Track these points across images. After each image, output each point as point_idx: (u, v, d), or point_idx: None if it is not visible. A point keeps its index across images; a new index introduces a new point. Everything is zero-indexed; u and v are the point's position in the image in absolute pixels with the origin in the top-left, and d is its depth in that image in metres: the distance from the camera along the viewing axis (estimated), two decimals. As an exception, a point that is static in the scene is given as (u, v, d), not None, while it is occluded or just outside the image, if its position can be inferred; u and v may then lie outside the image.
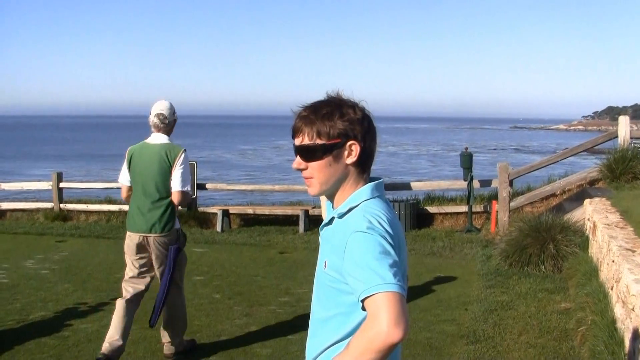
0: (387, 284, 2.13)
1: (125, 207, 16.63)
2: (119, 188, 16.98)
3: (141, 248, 6.60)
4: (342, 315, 2.40)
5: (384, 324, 2.08)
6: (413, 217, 14.42)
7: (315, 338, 2.55)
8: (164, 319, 6.94)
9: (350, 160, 2.43)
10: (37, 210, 17.49)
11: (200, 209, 16.33)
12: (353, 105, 2.45)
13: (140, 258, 6.67)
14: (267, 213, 16.01)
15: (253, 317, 8.36)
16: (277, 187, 17.90)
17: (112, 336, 6.52)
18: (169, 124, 6.70)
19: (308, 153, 2.43)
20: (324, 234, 2.55)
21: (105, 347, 6.47)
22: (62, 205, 17.14)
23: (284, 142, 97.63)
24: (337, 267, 2.35)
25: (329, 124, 2.39)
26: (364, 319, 2.21)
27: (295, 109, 2.50)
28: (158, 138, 6.67)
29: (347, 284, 2.29)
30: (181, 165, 6.53)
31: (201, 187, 16.43)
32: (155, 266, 6.71)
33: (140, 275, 6.75)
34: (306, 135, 2.43)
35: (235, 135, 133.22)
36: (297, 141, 2.47)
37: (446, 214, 15.10)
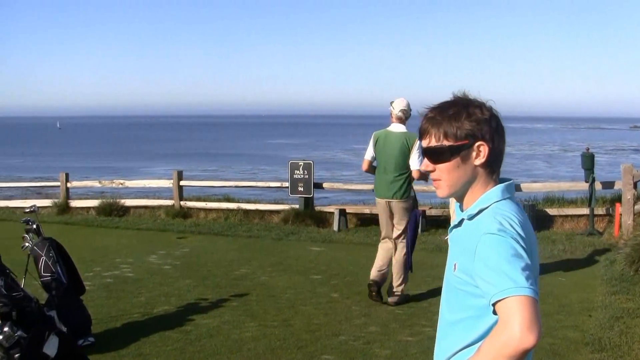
0: (519, 287, 2.13)
1: (244, 206, 17.43)
2: (237, 187, 17.95)
3: (387, 210, 9.00)
4: (472, 318, 2.40)
5: (516, 329, 2.08)
6: (531, 219, 14.11)
7: (445, 341, 2.55)
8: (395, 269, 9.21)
9: (478, 161, 2.43)
10: (159, 207, 18.50)
11: (317, 208, 16.76)
12: (480, 105, 2.46)
13: (385, 217, 9.09)
14: (384, 213, 16.21)
15: (371, 317, 8.58)
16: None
17: (381, 267, 9.18)
18: (407, 117, 8.86)
19: (435, 155, 2.45)
20: (453, 236, 2.56)
21: (374, 274, 9.15)
22: (182, 203, 18.06)
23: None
24: (467, 270, 2.37)
25: (456, 124, 2.41)
26: (495, 323, 2.23)
27: (422, 110, 2.54)
28: (399, 127, 8.91)
29: (478, 287, 2.30)
30: (417, 149, 8.60)
31: (318, 186, 16.85)
32: (396, 225, 9.02)
33: (388, 226, 9.17)
34: (433, 136, 2.45)
35: (348, 133, 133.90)
36: (424, 143, 2.50)
37: (566, 216, 14.87)
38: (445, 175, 2.47)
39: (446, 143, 2.43)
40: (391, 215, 9.07)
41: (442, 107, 2.49)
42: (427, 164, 2.52)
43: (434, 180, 2.53)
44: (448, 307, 2.53)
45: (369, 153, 9.23)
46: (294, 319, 8.45)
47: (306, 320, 8.40)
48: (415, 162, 8.74)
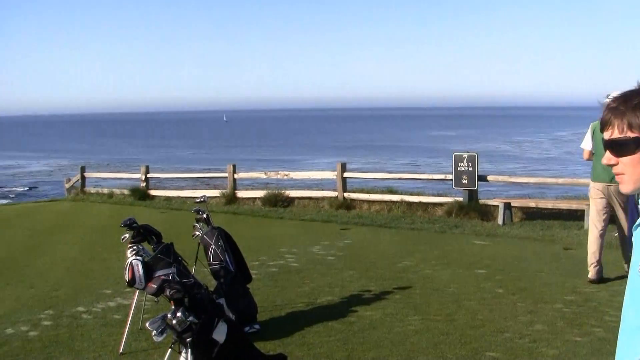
0: None
1: (407, 198, 17.41)
2: (400, 179, 17.93)
3: (603, 194, 9.43)
4: None
5: None
6: None
7: (629, 348, 2.34)
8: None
9: None
10: (323, 198, 18.90)
11: (481, 201, 16.46)
12: None
13: (601, 201, 9.50)
14: (550, 207, 15.68)
15: (538, 314, 8.31)
16: (560, 180, 17.62)
17: (592, 263, 9.54)
18: None
19: (618, 147, 2.31)
20: (638, 234, 2.42)
21: (592, 272, 9.53)
22: (345, 195, 18.33)
23: (564, 133, 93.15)
24: None
25: None
26: None
27: (603, 100, 2.37)
28: None
29: None
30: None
31: (482, 179, 16.55)
32: (616, 210, 9.52)
33: (602, 214, 9.59)
34: (616, 128, 2.29)
35: (512, 126, 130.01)
36: (607, 135, 2.35)
37: None
38: (629, 169, 2.30)
39: (630, 135, 2.26)
40: (606, 200, 9.51)
41: (625, 96, 2.31)
42: (609, 157, 2.35)
43: (617, 174, 2.36)
44: (633, 311, 2.33)
45: (588, 143, 9.75)
46: (457, 314, 8.36)
47: (470, 315, 8.29)
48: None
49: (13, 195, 59.67)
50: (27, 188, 65.82)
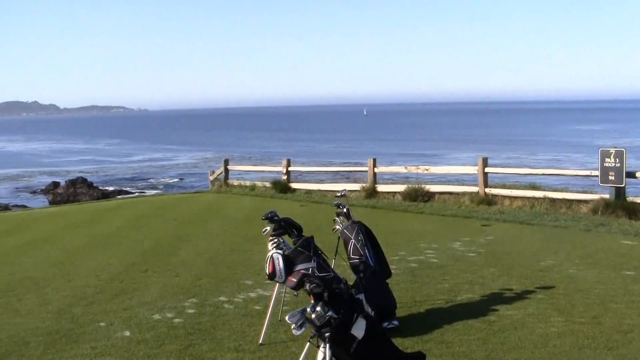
0: None
1: (550, 194, 16.79)
2: (543, 174, 17.40)
3: None
4: None
5: None
6: None
7: None
8: None
9: None
10: (463, 193, 18.57)
11: (629, 198, 15.65)
12: None
13: None
14: None
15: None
16: None
17: None
18: None
19: None
20: None
21: None
22: (487, 190, 17.92)
23: None
24: None
25: None
26: None
27: None
28: None
29: None
30: None
31: (630, 175, 15.74)
32: None
33: None
34: None
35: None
36: None
37: None
38: None
39: None
40: None
41: None
42: None
43: None
44: None
45: None
46: (603, 317, 7.95)
47: (617, 319, 7.86)
48: None
49: (161, 187, 62.74)
50: (174, 179, 68.99)
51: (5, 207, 50.71)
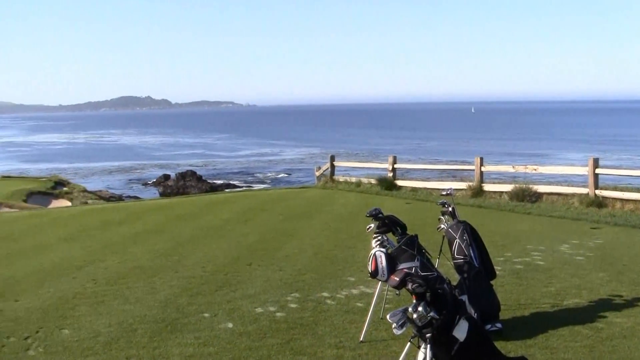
0: None
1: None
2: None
3: None
4: None
5: None
6: None
7: None
8: None
9: None
10: (572, 195, 17.96)
11: None
12: None
13: None
14: None
15: None
16: None
17: None
18: None
19: None
20: None
21: None
22: (597, 192, 17.27)
23: None
24: None
25: None
26: None
27: None
28: None
29: None
30: None
31: None
32: None
33: None
34: None
35: None
36: None
37: None
38: None
39: None
40: None
41: None
42: None
43: None
44: None
45: None
46: None
47: None
48: None
49: (268, 181, 63.80)
50: (280, 174, 70.02)
51: (119, 198, 52.80)
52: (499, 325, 7.64)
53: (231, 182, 63.37)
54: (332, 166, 26.00)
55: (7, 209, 36.53)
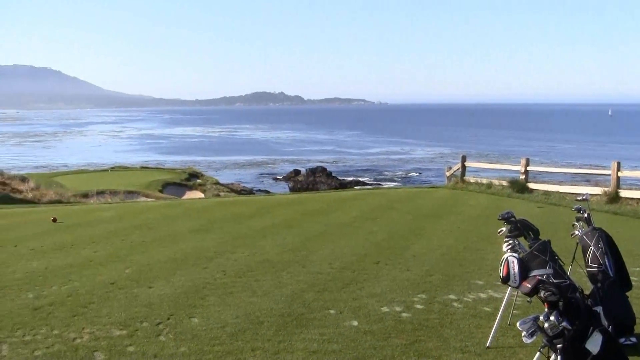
0: None
1: None
2: None
3: None
4: None
5: None
6: None
7: None
8: None
9: None
10: None
11: None
12: None
13: None
14: None
15: None
16: None
17: None
18: None
19: None
20: None
21: None
22: None
23: None
24: None
25: None
26: None
27: None
28: None
29: None
30: None
31: None
32: None
33: None
34: None
35: None
36: None
37: None
38: None
39: None
40: None
41: None
42: None
43: None
44: None
45: None
46: None
47: None
48: None
49: (397, 180, 63.69)
50: (410, 173, 69.71)
51: (250, 191, 54.21)
52: (633, 339, 7.28)
53: (360, 179, 63.70)
54: (463, 167, 25.64)
55: (144, 198, 38.37)
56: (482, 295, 9.35)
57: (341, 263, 11.37)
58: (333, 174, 63.35)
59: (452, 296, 9.30)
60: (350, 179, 63.81)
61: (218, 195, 41.58)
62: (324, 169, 64.14)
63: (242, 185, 58.95)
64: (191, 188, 49.09)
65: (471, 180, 25.06)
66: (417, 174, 68.19)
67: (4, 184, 37.34)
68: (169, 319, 8.29)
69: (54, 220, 16.73)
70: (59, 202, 30.40)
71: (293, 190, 57.51)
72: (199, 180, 52.30)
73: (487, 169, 29.19)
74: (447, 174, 26.97)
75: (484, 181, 24.36)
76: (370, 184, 58.49)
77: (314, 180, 60.48)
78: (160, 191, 44.56)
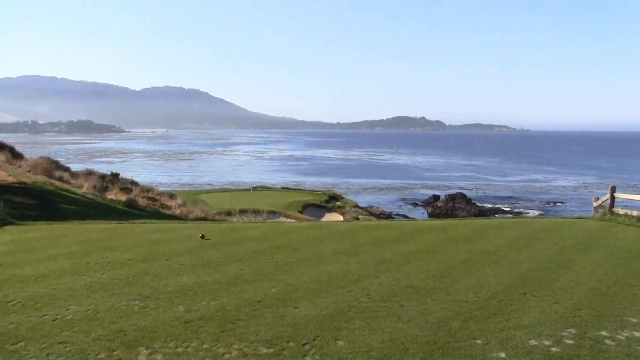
0: None
1: None
2: None
3: None
4: None
5: None
6: None
7: None
8: None
9: None
10: None
11: None
12: None
13: None
14: None
15: None
16: None
17: None
18: None
19: None
20: None
21: None
22: None
23: None
24: None
25: None
26: None
27: None
28: None
29: None
30: None
31: None
32: None
33: None
34: None
35: None
36: None
37: None
38: None
39: None
40: None
41: None
42: None
43: None
44: None
45: None
46: None
47: None
48: None
49: (539, 209, 61.85)
50: (552, 203, 67.55)
51: (389, 216, 54.27)
52: None
53: (500, 206, 62.35)
54: (612, 197, 24.54)
55: (284, 219, 39.25)
56: (637, 334, 8.91)
57: (487, 292, 11.14)
58: (472, 201, 62.41)
59: (604, 333, 8.92)
60: (490, 206, 62.61)
61: (357, 218, 41.90)
62: (463, 195, 63.36)
63: (381, 208, 59.12)
64: (330, 210, 49.76)
65: (620, 212, 23.94)
66: (560, 204, 65.98)
67: (154, 199, 39.36)
68: (314, 340, 8.42)
69: (202, 237, 17.37)
70: (205, 219, 31.62)
71: (431, 215, 57.07)
72: (338, 203, 52.94)
73: (638, 201, 27.80)
74: (595, 204, 25.90)
75: (634, 213, 23.20)
76: (510, 212, 57.13)
77: (453, 206, 59.79)
78: (300, 212, 45.47)
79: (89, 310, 9.67)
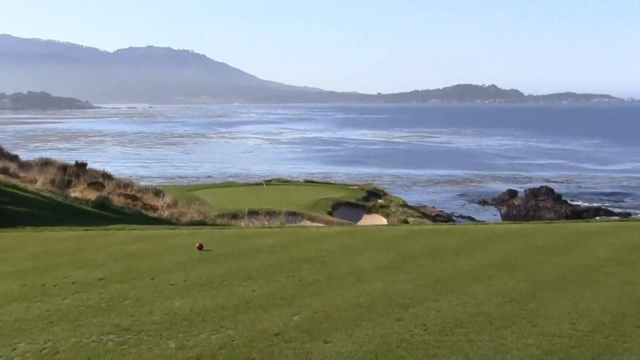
0: None
1: None
2: None
3: None
4: None
5: None
6: None
7: None
8: None
9: None
10: None
11: None
12: None
13: None
14: None
15: None
16: None
17: None
18: None
19: None
20: None
21: None
22: None
23: None
24: None
25: None
26: None
27: None
28: None
29: None
30: None
31: None
32: None
33: None
34: None
35: None
36: None
37: None
38: None
39: None
40: None
41: None
42: None
43: None
44: None
45: None
46: None
47: None
48: None
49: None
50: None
51: (449, 218, 54.09)
52: None
53: (603, 206, 61.91)
54: None
55: (308, 223, 39.08)
56: None
57: (588, 324, 10.98)
58: (563, 198, 62.05)
59: None
60: (587, 204, 62.21)
61: (406, 222, 41.76)
62: (550, 191, 63.03)
63: (438, 209, 58.97)
64: (370, 210, 49.70)
65: None
66: None
67: (134, 197, 39.44)
68: (352, 388, 8.32)
69: (200, 247, 17.35)
70: (203, 223, 31.72)
71: (507, 217, 56.77)
72: (380, 201, 52.87)
73: None
74: None
75: None
76: (618, 213, 56.70)
77: (535, 205, 59.49)
78: (330, 213, 45.40)
79: (44, 349, 9.64)
